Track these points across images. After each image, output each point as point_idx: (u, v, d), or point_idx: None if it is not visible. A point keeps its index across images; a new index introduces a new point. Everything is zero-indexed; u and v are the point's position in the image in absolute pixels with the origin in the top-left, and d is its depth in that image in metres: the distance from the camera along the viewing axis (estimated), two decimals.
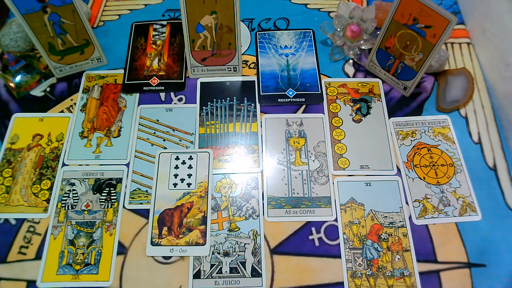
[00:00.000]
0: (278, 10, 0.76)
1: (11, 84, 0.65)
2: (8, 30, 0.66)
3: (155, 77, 0.67)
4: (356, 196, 0.57)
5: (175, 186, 0.57)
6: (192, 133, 0.62)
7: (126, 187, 0.58)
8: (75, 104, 0.65)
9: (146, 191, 0.58)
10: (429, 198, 0.57)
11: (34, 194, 0.57)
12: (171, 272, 0.52)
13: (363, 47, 0.68)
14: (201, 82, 0.67)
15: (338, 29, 0.68)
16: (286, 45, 0.71)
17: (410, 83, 0.64)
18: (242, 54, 0.70)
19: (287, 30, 0.74)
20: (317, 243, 0.54)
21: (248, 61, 0.70)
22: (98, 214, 0.56)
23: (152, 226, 0.55)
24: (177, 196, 0.57)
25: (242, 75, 0.68)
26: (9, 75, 0.65)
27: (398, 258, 0.53)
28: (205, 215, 0.55)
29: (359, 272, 0.52)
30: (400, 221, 0.55)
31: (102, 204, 0.56)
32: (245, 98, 0.65)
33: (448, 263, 0.53)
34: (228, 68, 0.67)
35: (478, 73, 0.69)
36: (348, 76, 0.69)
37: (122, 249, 0.53)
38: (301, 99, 0.65)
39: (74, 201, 0.57)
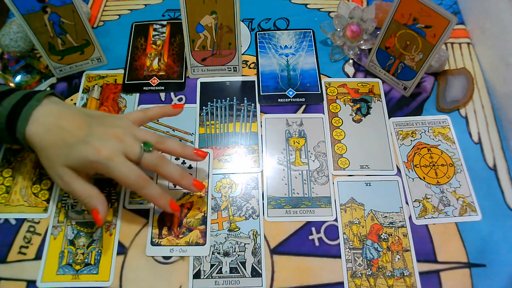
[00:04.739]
0: (278, 10, 0.76)
1: (11, 84, 0.65)
2: (8, 30, 0.66)
3: (155, 77, 0.67)
4: (356, 196, 0.57)
5: (175, 186, 0.57)
6: (192, 133, 0.62)
7: None
8: (75, 104, 0.65)
9: None
10: (429, 198, 0.57)
11: (34, 194, 0.57)
12: (171, 272, 0.52)
13: (363, 47, 0.68)
14: (201, 82, 0.67)
15: (338, 29, 0.68)
16: (286, 45, 0.71)
17: (410, 83, 0.64)
18: (242, 54, 0.70)
19: (287, 30, 0.74)
20: (317, 243, 0.54)
21: (248, 61, 0.70)
22: None
23: (152, 226, 0.55)
24: (177, 196, 0.57)
25: (242, 75, 0.68)
26: (9, 75, 0.65)
27: (398, 258, 0.53)
28: (205, 215, 0.55)
29: (359, 272, 0.52)
30: (400, 221, 0.55)
31: None
32: (245, 98, 0.65)
33: (448, 263, 0.53)
34: (228, 68, 0.67)
35: (478, 73, 0.69)
36: (348, 76, 0.69)
37: (122, 249, 0.53)
38: (301, 99, 0.65)
39: (74, 201, 0.57)
